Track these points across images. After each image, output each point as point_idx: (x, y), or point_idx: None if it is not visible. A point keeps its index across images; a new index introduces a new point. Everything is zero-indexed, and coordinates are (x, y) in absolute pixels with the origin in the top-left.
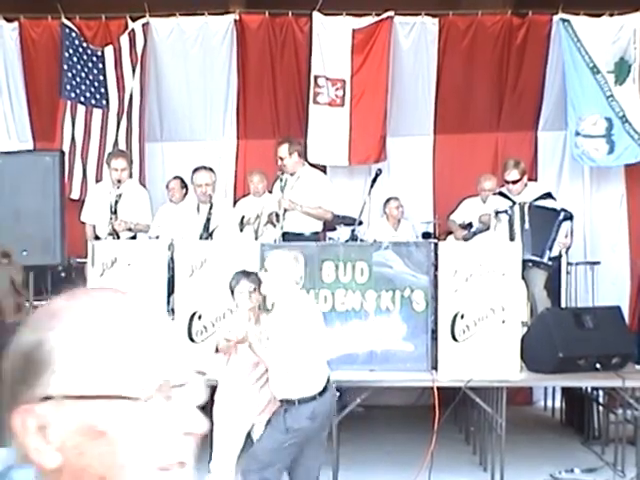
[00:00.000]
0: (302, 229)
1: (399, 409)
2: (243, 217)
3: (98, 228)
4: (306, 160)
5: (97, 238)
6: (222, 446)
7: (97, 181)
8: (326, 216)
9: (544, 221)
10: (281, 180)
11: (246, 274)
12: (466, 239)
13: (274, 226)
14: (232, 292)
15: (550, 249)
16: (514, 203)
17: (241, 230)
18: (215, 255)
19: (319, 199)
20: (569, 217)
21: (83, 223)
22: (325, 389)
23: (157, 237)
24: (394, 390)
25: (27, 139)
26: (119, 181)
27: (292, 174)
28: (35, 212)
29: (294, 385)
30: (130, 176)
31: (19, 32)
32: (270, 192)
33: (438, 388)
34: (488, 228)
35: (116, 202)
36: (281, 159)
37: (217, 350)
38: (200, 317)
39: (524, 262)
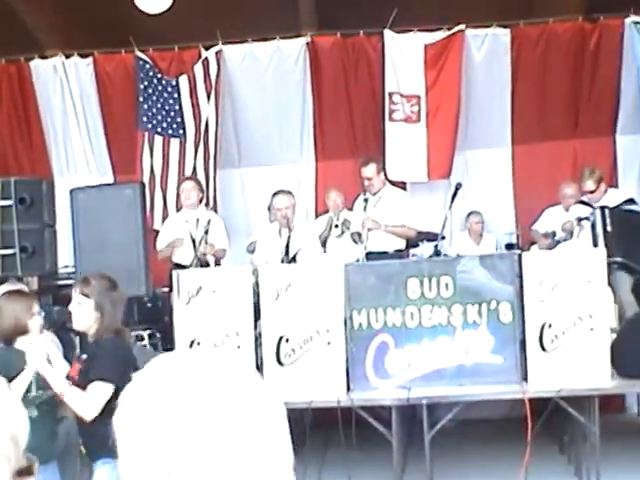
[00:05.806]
0: (386, 247)
1: (491, 422)
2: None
3: (178, 256)
4: (385, 177)
5: (177, 266)
6: None
7: (177, 210)
8: (409, 234)
9: None
10: (365, 200)
11: None
12: (550, 248)
13: (355, 243)
14: None
15: None
16: (595, 209)
17: (324, 250)
18: (300, 278)
19: (402, 217)
20: None
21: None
22: None
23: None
24: (485, 403)
25: (107, 172)
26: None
27: (374, 193)
28: (119, 244)
29: None
30: (207, 203)
31: (94, 67)
32: (350, 210)
33: (529, 399)
34: (572, 236)
35: (205, 227)
36: (369, 179)
37: None
38: (288, 340)
39: (609, 265)
